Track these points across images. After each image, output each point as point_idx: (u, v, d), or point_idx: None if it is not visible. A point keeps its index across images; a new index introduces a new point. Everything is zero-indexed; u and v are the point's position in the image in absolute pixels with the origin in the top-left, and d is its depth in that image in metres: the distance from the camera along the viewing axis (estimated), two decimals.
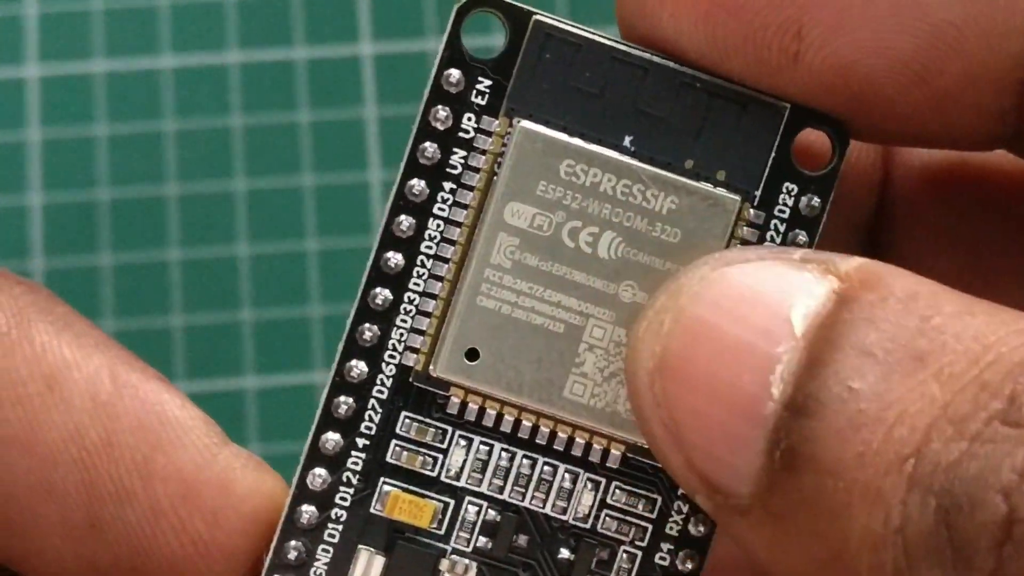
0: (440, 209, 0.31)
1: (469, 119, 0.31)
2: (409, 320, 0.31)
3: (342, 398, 0.31)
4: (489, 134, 0.31)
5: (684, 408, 0.27)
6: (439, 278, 0.31)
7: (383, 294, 0.31)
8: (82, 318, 0.31)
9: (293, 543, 0.31)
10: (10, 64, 0.69)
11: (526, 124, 0.30)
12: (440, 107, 0.31)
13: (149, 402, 0.30)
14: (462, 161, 0.31)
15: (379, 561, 0.31)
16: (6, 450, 0.29)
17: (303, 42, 0.70)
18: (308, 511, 0.31)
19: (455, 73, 0.31)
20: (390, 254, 0.31)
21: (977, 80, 0.30)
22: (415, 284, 0.31)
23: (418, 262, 0.31)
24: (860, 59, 0.29)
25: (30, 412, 0.29)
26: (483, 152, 0.31)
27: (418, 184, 0.31)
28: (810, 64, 0.30)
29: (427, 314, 0.31)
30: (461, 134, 0.31)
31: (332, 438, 0.31)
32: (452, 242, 0.31)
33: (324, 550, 0.31)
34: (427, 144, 0.31)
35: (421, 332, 0.31)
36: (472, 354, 0.30)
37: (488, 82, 0.31)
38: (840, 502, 0.25)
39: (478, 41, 0.31)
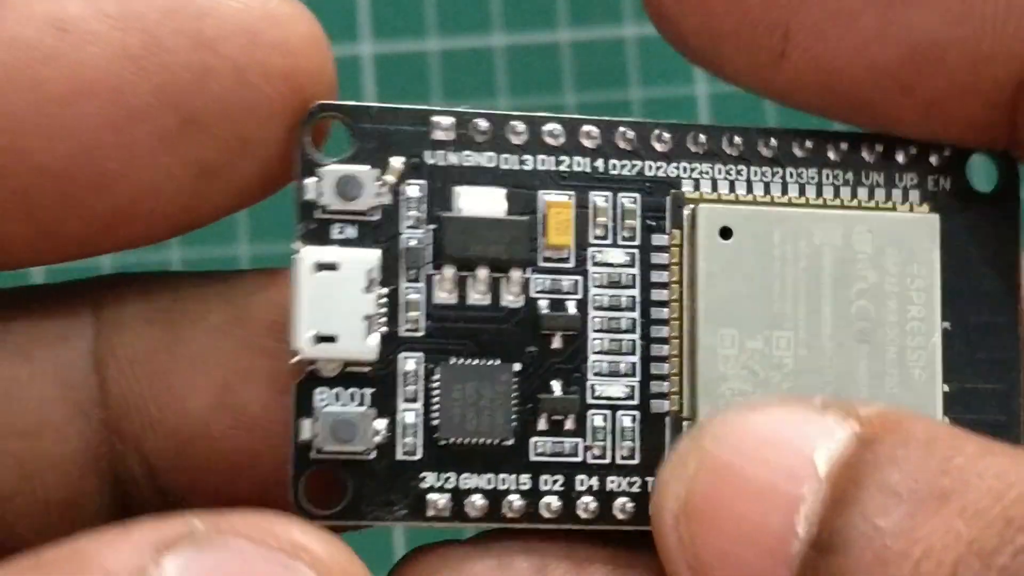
0: None
1: None
2: None
3: None
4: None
5: (710, 549, 0.27)
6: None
7: None
8: None
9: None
10: None
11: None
12: None
13: None
14: None
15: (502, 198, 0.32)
16: (87, 102, 0.29)
17: None
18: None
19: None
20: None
21: (963, 95, 0.30)
22: None
23: None
24: (844, 66, 0.30)
25: (75, 56, 0.29)
26: None
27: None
28: (796, 64, 0.30)
29: None
30: None
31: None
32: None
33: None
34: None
35: None
36: (726, 232, 0.31)
37: None
38: None
39: None
